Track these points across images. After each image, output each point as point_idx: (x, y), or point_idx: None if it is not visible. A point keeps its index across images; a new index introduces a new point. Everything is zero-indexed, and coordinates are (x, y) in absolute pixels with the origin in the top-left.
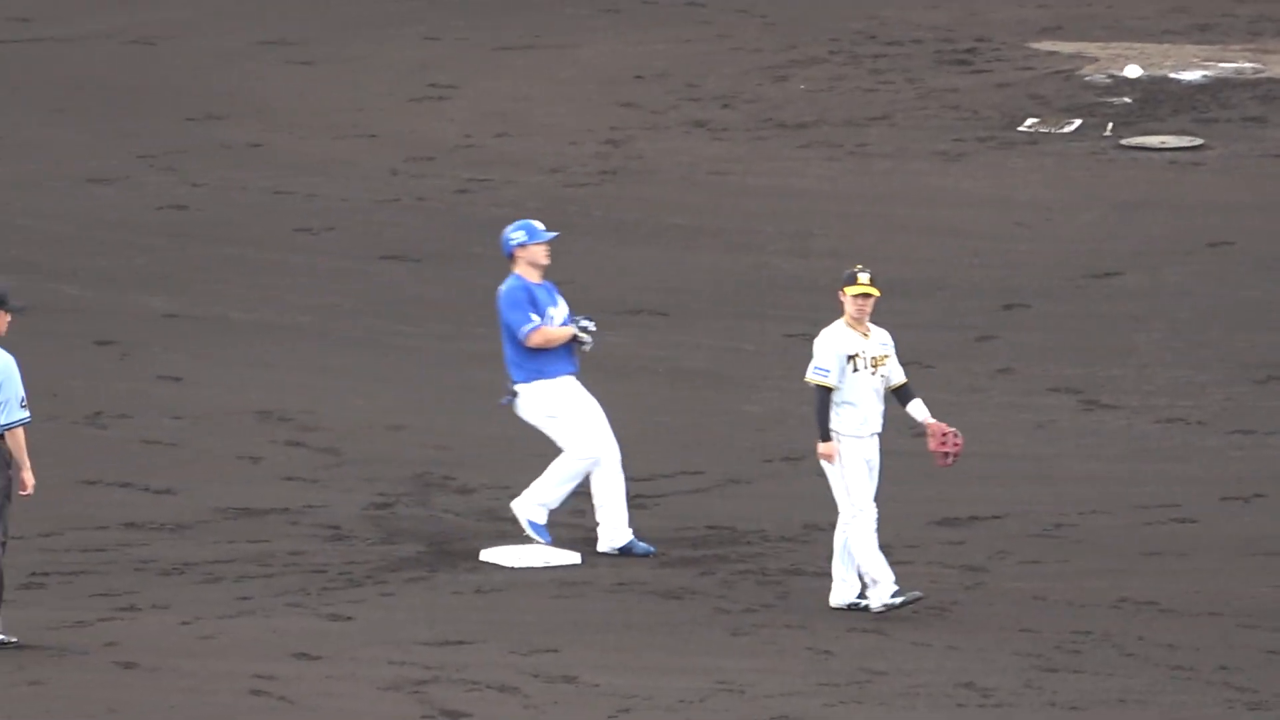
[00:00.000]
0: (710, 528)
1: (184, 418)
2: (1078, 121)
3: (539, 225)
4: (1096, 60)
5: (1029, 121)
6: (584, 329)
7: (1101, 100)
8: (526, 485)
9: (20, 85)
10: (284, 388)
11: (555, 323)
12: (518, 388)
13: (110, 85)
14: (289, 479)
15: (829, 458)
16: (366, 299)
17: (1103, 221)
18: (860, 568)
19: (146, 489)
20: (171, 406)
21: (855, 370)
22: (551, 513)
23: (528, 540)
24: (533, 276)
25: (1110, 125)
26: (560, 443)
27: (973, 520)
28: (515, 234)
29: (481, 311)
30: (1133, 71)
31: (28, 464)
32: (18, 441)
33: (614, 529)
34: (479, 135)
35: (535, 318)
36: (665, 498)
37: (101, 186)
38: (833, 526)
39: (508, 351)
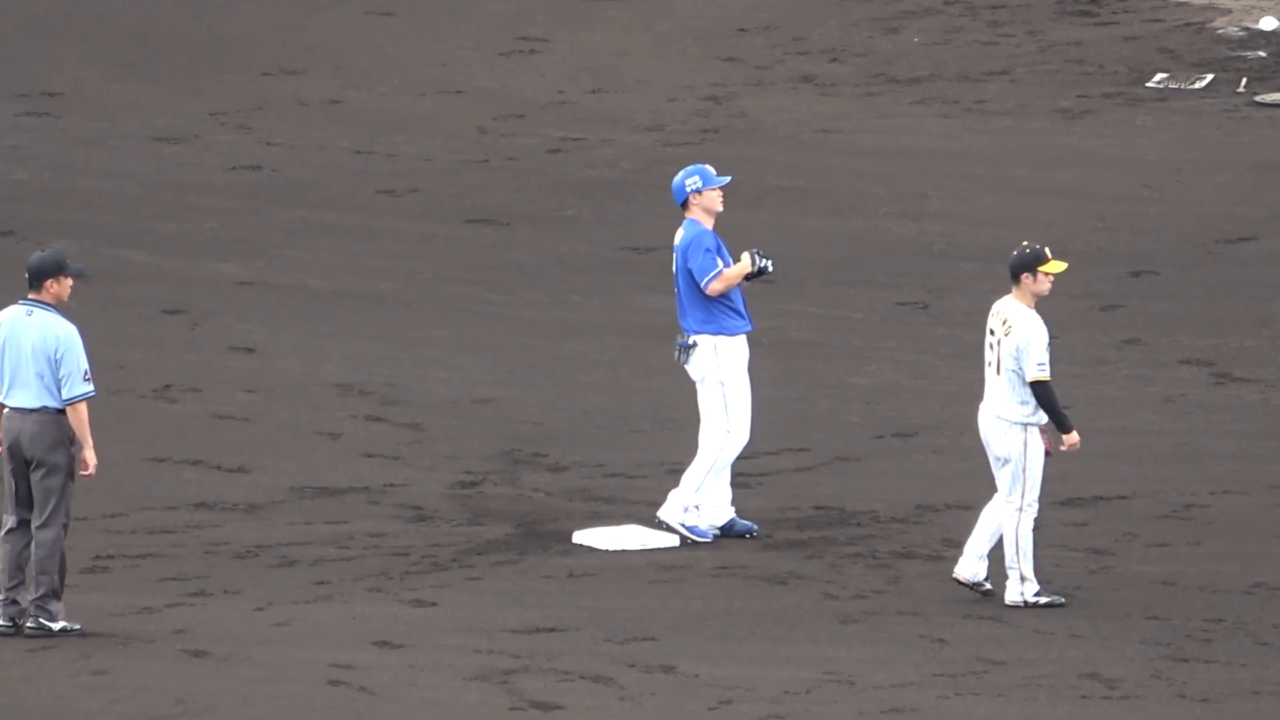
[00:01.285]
0: (817, 508)
1: (258, 391)
2: (1209, 77)
3: (711, 170)
4: (1229, 12)
5: (1158, 77)
6: (759, 261)
7: (1235, 54)
8: (622, 463)
9: (87, 38)
10: (364, 359)
11: None
12: (695, 339)
13: (181, 39)
14: (369, 456)
15: (1075, 446)
16: (452, 265)
17: (1236, 183)
18: (1017, 558)
19: (218, 467)
20: (245, 379)
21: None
22: (646, 489)
23: (625, 522)
24: (708, 224)
25: (1244, 81)
26: (711, 412)
27: (1098, 500)
28: (690, 180)
29: (575, 279)
30: (1268, 24)
31: (90, 442)
32: (80, 418)
33: (715, 508)
34: (572, 91)
35: (720, 263)
36: (770, 476)
37: (171, 145)
38: (948, 506)
39: (685, 301)
